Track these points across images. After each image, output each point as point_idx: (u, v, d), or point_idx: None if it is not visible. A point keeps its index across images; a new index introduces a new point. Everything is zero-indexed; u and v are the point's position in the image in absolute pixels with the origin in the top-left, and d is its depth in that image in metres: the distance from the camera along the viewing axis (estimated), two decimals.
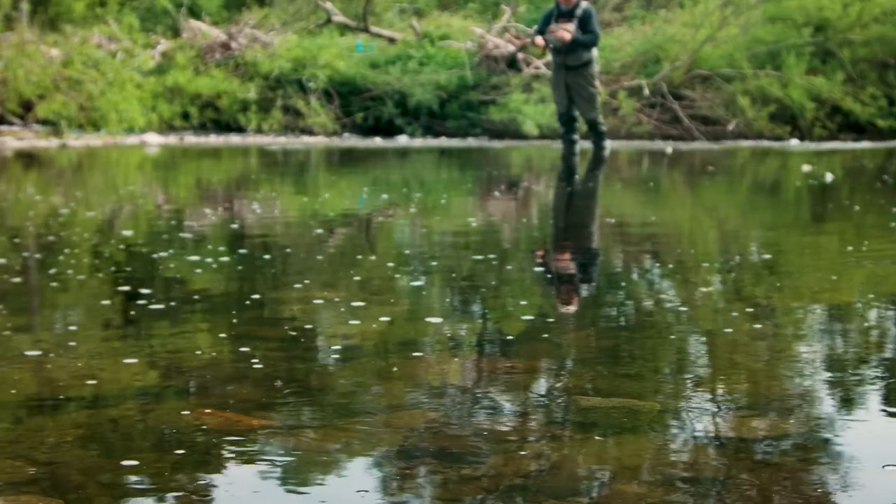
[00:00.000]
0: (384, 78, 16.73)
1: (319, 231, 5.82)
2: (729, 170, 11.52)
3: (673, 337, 3.26)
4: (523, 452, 2.12)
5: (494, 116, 15.98)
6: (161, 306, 3.66)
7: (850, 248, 5.21)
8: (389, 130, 16.51)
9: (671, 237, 6.01)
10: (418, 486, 1.96)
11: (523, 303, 3.84)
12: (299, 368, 2.79)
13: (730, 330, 3.32)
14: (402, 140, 15.82)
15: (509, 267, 4.70)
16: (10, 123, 15.44)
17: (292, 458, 2.11)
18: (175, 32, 18.30)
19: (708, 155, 13.16)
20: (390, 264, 4.74)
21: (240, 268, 4.51)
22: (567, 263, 4.87)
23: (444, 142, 15.48)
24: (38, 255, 4.80)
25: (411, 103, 16.44)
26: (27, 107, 15.58)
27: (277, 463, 2.09)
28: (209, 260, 4.74)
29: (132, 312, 3.59)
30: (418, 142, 15.61)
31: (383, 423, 2.30)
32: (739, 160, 12.81)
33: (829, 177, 9.53)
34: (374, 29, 18.66)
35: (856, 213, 7.10)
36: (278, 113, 16.68)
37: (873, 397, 2.56)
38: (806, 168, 10.82)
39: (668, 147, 14.17)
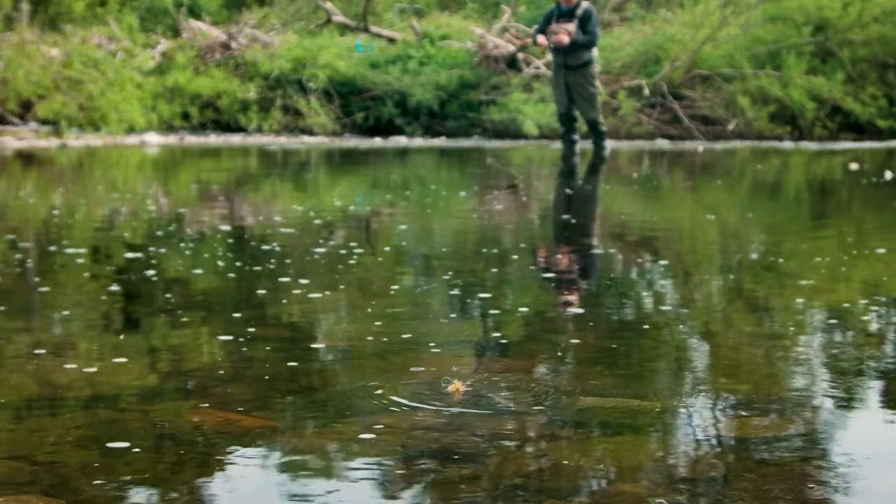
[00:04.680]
0: (384, 78, 16.73)
1: (319, 230, 5.82)
2: (773, 169, 11.51)
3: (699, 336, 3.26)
4: (523, 452, 2.12)
5: (494, 116, 15.98)
6: (161, 306, 3.66)
7: None
8: (389, 130, 16.51)
9: (786, 240, 5.99)
10: (418, 486, 1.96)
11: (523, 302, 3.84)
12: (299, 368, 2.79)
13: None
14: (402, 140, 15.82)
15: (510, 266, 4.70)
16: (11, 123, 15.44)
17: (292, 458, 2.11)
18: (175, 32, 18.31)
19: (719, 154, 13.17)
20: (390, 264, 4.74)
21: (239, 267, 4.50)
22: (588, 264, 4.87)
23: (444, 142, 15.48)
24: (37, 255, 4.80)
25: (411, 103, 16.44)
26: (27, 107, 15.58)
27: (277, 463, 2.09)
28: (209, 259, 4.75)
29: (132, 312, 3.59)
30: (418, 141, 15.61)
31: (383, 423, 2.29)
32: (769, 159, 12.79)
33: (888, 175, 9.56)
34: (374, 29, 18.66)
35: None
36: (278, 113, 16.69)
37: (873, 397, 2.56)
38: (854, 166, 10.84)
39: (700, 146, 14.25)
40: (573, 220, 6.48)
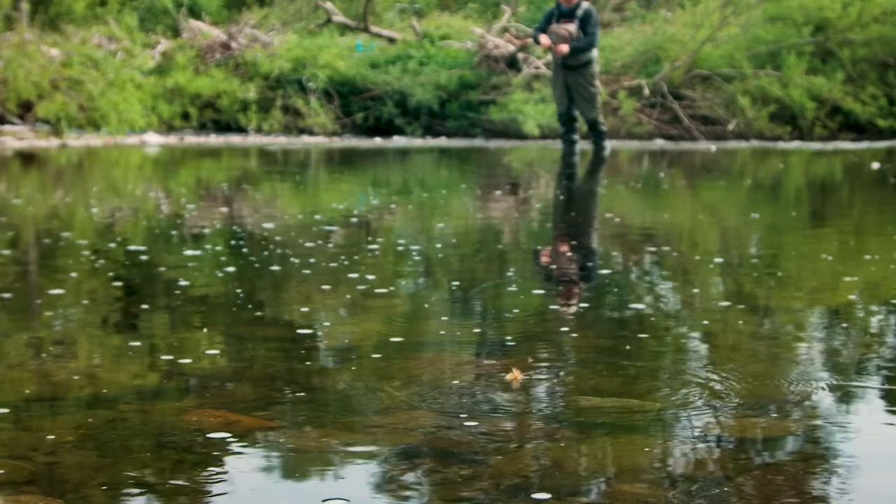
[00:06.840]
0: (384, 78, 16.73)
1: (319, 231, 5.81)
2: (793, 168, 11.49)
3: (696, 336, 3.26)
4: (523, 452, 2.12)
5: (494, 116, 15.97)
6: (161, 306, 3.66)
7: None
8: (389, 130, 16.51)
9: (852, 239, 5.97)
10: (418, 486, 1.96)
11: (523, 302, 3.84)
12: (299, 368, 2.79)
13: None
14: (402, 140, 15.82)
15: (510, 266, 4.70)
16: (11, 123, 15.43)
17: (292, 458, 2.11)
18: (175, 32, 18.30)
19: (732, 154, 13.16)
20: (390, 264, 4.74)
21: (240, 268, 4.50)
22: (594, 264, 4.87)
23: (444, 142, 15.48)
24: (37, 255, 4.80)
25: (411, 103, 16.43)
26: (27, 107, 15.57)
27: (277, 463, 2.09)
28: (209, 260, 4.75)
29: (132, 312, 3.59)
30: (418, 142, 15.61)
31: (383, 423, 2.30)
32: (784, 159, 12.75)
33: None
34: (374, 29, 18.66)
35: None
36: (278, 113, 16.68)
37: (874, 396, 2.56)
38: (876, 165, 10.85)
39: (713, 146, 14.28)
40: (617, 219, 6.49)
